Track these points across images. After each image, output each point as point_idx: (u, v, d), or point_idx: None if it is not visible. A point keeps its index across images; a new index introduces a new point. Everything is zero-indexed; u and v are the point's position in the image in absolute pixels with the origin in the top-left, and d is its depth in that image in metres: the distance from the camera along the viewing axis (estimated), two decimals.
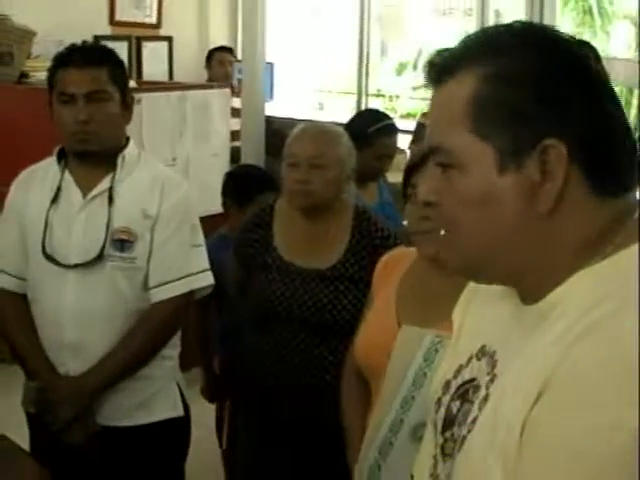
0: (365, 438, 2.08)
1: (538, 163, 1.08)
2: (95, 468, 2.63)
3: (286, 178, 2.75)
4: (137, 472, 2.68)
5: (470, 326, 1.32)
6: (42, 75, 4.20)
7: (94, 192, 2.61)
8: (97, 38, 5.57)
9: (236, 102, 6.01)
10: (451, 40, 1.19)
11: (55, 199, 2.62)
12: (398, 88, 12.38)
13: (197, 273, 2.68)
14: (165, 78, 6.81)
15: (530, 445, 1.01)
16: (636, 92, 10.09)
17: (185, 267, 2.65)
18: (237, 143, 5.78)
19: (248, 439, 2.88)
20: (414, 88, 11.93)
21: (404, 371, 1.98)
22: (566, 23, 10.66)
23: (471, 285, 1.36)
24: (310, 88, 11.35)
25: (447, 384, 1.27)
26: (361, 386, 2.26)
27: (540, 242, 1.11)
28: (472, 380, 1.20)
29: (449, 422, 1.23)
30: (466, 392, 1.21)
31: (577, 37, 1.15)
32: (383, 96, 12.02)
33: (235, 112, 5.80)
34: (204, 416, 3.69)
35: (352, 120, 3.96)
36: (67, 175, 2.64)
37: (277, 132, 5.14)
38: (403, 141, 5.32)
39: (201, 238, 2.73)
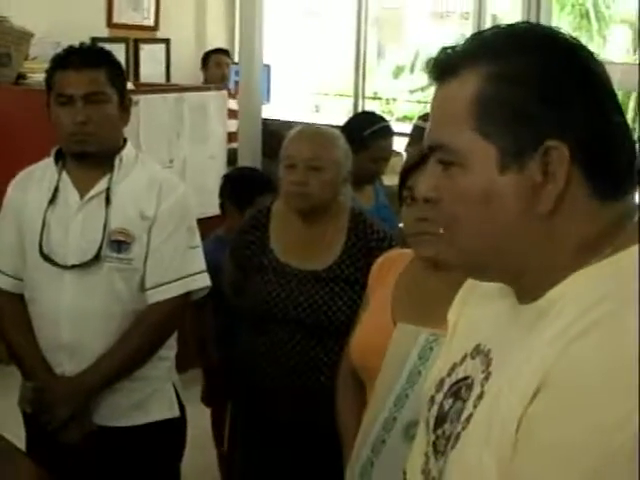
0: (358, 435, 2.09)
1: (540, 164, 1.08)
2: (91, 468, 2.63)
3: (283, 180, 2.75)
4: (133, 472, 2.68)
5: (465, 325, 1.32)
6: (40, 76, 4.22)
7: (91, 193, 2.62)
8: (95, 40, 5.57)
9: (233, 104, 6.02)
10: (448, 44, 1.20)
11: (52, 200, 2.63)
12: (395, 91, 12.39)
13: (194, 274, 2.69)
14: (162, 80, 6.82)
15: (526, 442, 1.02)
16: (633, 96, 10.10)
17: (182, 268, 2.66)
18: (234, 145, 5.79)
19: (245, 440, 2.88)
20: (411, 91, 11.95)
21: (398, 369, 1.99)
22: (563, 27, 10.66)
23: (467, 286, 1.37)
24: (307, 90, 11.35)
25: (441, 382, 1.28)
26: (356, 387, 2.27)
27: (539, 242, 1.11)
28: (466, 378, 1.21)
29: (441, 419, 1.23)
30: (459, 390, 1.21)
31: (580, 42, 1.15)
32: (380, 99, 12.03)
33: (232, 114, 5.81)
34: (200, 417, 3.69)
35: (348, 123, 3.97)
36: (64, 176, 2.65)
37: (274, 134, 5.14)
38: (400, 144, 5.33)
39: (198, 240, 2.74)
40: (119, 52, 6.07)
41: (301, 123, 3.27)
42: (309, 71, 11.23)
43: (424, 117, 5.15)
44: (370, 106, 8.26)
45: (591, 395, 0.97)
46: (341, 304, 2.70)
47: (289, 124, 3.31)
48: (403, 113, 11.97)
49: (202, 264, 2.72)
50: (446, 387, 1.26)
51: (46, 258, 2.60)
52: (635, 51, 10.33)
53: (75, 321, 2.59)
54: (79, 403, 2.57)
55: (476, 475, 1.09)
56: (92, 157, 2.60)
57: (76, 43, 2.68)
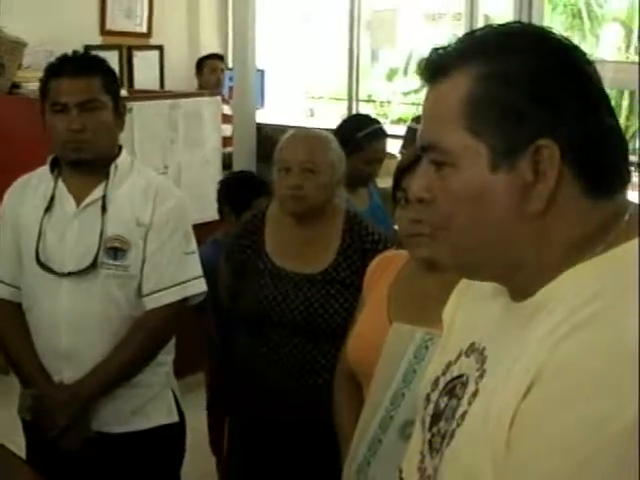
0: (355, 434, 2.09)
1: (531, 163, 1.09)
2: (91, 475, 2.64)
3: (278, 184, 2.76)
4: (132, 478, 2.69)
5: (460, 324, 1.33)
6: (33, 85, 4.22)
7: (87, 200, 2.62)
8: (88, 48, 5.58)
9: (226, 109, 6.03)
10: (439, 44, 1.20)
11: (49, 208, 2.63)
12: (389, 93, 12.40)
13: (190, 280, 2.69)
14: (156, 87, 6.82)
15: (520, 436, 1.02)
16: (626, 94, 10.12)
17: (178, 275, 2.67)
18: (229, 149, 5.80)
19: (242, 442, 2.89)
20: (405, 93, 11.96)
21: (394, 368, 2.00)
22: (555, 27, 10.67)
23: (461, 285, 1.38)
24: (301, 94, 11.36)
25: (436, 381, 1.29)
26: (353, 387, 2.28)
27: (531, 241, 1.12)
28: (460, 376, 1.22)
29: (436, 417, 1.24)
30: (454, 388, 1.22)
31: (571, 42, 1.16)
32: (374, 102, 12.04)
33: (226, 119, 5.82)
34: (199, 422, 3.71)
35: (341, 126, 3.98)
36: (60, 184, 2.65)
37: (268, 139, 5.15)
38: (394, 146, 5.34)
39: (194, 245, 2.74)
40: (113, 59, 6.06)
41: (296, 127, 3.28)
42: (303, 75, 11.22)
43: (418, 119, 5.16)
44: (364, 109, 8.27)
45: (583, 388, 0.98)
46: (337, 306, 2.71)
47: (283, 128, 3.31)
48: (397, 115, 11.97)
49: (198, 270, 2.72)
50: (441, 385, 1.26)
51: (43, 266, 2.60)
52: (628, 49, 10.35)
53: (73, 328, 2.60)
54: (78, 410, 2.58)
55: (470, 472, 1.10)
56: (88, 164, 2.61)
57: (69, 52, 2.68)
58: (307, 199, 2.72)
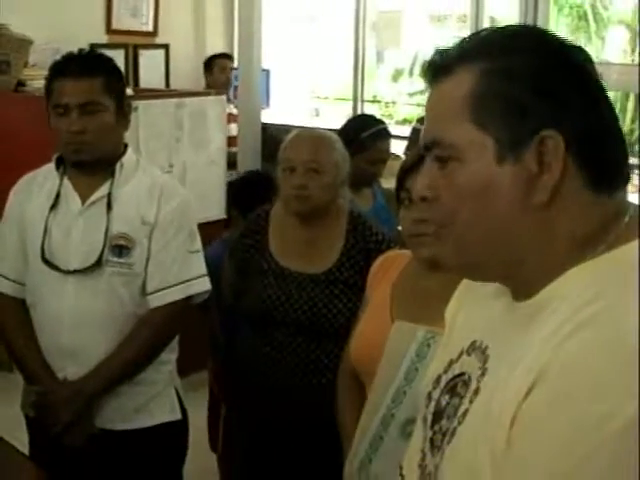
0: (357, 432, 2.10)
1: (535, 154, 1.10)
2: (94, 471, 2.65)
3: (283, 183, 2.77)
4: (135, 475, 2.70)
5: (462, 323, 1.34)
6: (39, 83, 4.23)
7: (92, 198, 2.63)
8: (94, 46, 5.57)
9: (232, 109, 6.04)
10: (443, 46, 1.22)
11: (54, 205, 2.65)
12: (394, 94, 12.38)
13: (194, 279, 2.70)
14: (162, 86, 6.82)
15: (521, 434, 1.03)
16: (631, 97, 10.11)
17: (182, 273, 2.67)
18: (234, 149, 5.81)
19: (244, 442, 2.89)
20: (410, 94, 11.94)
21: (396, 366, 2.01)
22: (561, 29, 10.67)
23: (463, 285, 1.38)
24: (306, 95, 11.35)
25: (438, 379, 1.29)
26: (356, 387, 2.28)
27: (534, 235, 1.13)
28: (462, 374, 1.22)
29: (438, 415, 1.24)
30: (455, 386, 1.22)
31: (571, 42, 1.18)
32: (379, 102, 12.03)
33: (232, 118, 5.83)
34: (202, 420, 3.72)
35: (345, 126, 3.98)
36: (66, 182, 2.66)
37: (273, 139, 5.16)
38: (399, 147, 5.34)
39: (198, 244, 2.75)
40: (118, 58, 6.06)
41: (301, 127, 3.28)
42: (308, 75, 11.22)
43: (422, 120, 5.14)
44: (370, 109, 8.26)
45: (585, 387, 0.98)
46: (341, 306, 2.71)
47: (288, 128, 3.32)
48: (403, 116, 11.95)
49: (203, 268, 2.73)
50: (443, 383, 1.27)
51: (48, 263, 2.61)
52: (633, 52, 10.34)
53: (77, 325, 2.61)
54: (81, 407, 2.58)
55: (471, 469, 1.10)
56: (90, 165, 2.62)
57: (75, 50, 2.68)
58: (311, 199, 2.73)
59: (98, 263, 2.59)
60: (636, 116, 9.91)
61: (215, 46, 7.20)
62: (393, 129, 4.13)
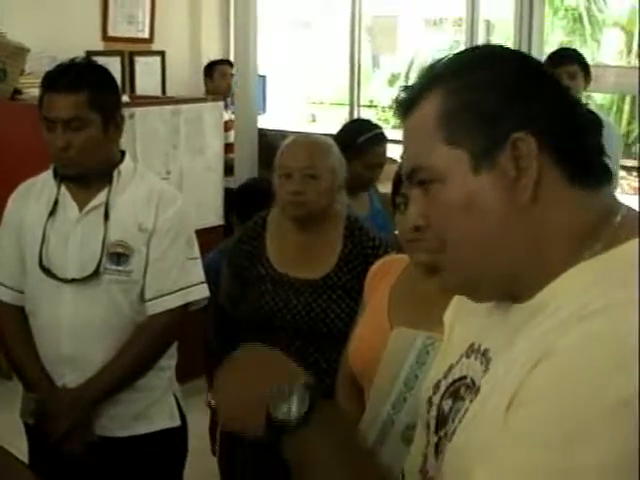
0: None
1: (511, 158, 1.12)
2: (93, 479, 2.65)
3: (279, 189, 2.77)
4: None
5: (461, 327, 1.34)
6: (35, 91, 4.21)
7: (90, 206, 2.64)
8: (90, 54, 5.58)
9: (228, 115, 6.04)
10: (442, 50, 1.24)
11: (52, 213, 2.65)
12: (390, 99, 12.40)
13: (192, 286, 2.70)
14: (158, 92, 6.83)
15: (516, 408, 1.03)
16: (627, 99, 10.13)
17: (180, 280, 2.68)
18: (231, 155, 5.81)
19: (244, 447, 2.89)
20: None
21: (396, 372, 2.00)
22: (556, 31, 10.70)
23: None
24: (302, 100, 11.37)
25: (437, 384, 1.30)
26: (355, 392, 2.28)
27: (527, 236, 1.13)
28: (463, 378, 1.23)
29: (443, 420, 1.25)
30: (457, 390, 1.23)
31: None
32: (376, 107, 12.05)
33: (228, 124, 5.83)
34: (201, 426, 3.71)
35: (341, 131, 3.99)
36: (63, 189, 2.67)
37: (270, 144, 5.16)
38: (395, 151, 5.34)
39: (196, 251, 2.75)
40: (114, 65, 6.09)
41: (297, 133, 3.29)
42: (304, 81, 11.24)
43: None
44: (366, 114, 8.27)
45: (584, 367, 0.99)
46: (339, 311, 2.72)
47: (285, 134, 3.32)
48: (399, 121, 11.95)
49: (201, 275, 2.73)
50: (443, 388, 1.27)
51: (46, 271, 2.62)
52: (629, 54, 10.36)
53: (75, 333, 2.61)
54: (80, 414, 2.59)
55: (468, 467, 1.10)
56: (77, 179, 2.62)
57: (71, 57, 2.67)
58: (308, 204, 2.73)
59: (96, 271, 2.59)
60: (635, 118, 9.94)
61: (211, 53, 7.20)
62: (389, 133, 4.13)
